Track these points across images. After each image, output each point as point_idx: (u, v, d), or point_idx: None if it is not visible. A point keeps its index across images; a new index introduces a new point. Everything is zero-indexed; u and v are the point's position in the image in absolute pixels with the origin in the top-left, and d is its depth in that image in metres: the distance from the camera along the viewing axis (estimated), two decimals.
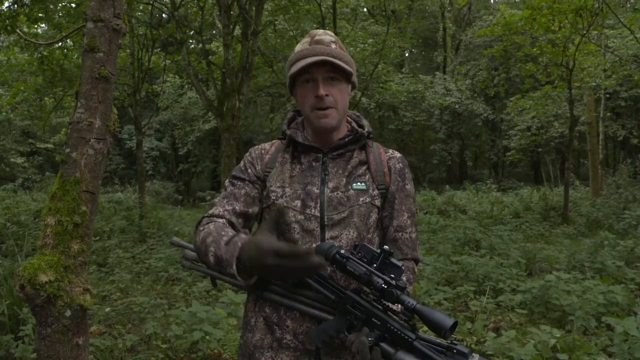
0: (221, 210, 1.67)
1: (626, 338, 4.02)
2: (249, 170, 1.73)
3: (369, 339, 1.38)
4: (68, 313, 1.93)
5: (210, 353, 4.12)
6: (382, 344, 1.38)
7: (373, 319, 1.42)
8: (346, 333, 1.46)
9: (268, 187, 1.69)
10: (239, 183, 1.72)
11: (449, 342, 1.34)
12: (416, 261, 1.76)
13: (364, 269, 1.41)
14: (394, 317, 1.41)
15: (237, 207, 1.68)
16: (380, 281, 1.38)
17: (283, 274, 1.34)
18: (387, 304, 1.42)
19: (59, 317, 1.92)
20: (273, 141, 1.82)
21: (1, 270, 5.13)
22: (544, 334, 4.15)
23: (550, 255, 7.50)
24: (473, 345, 4.36)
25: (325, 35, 1.67)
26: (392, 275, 1.39)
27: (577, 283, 5.52)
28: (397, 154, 1.79)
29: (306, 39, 1.68)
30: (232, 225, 1.64)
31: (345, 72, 1.64)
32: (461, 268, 6.51)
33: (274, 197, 1.66)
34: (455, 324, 1.30)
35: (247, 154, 1.78)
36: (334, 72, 1.62)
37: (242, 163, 1.77)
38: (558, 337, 4.15)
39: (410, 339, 1.36)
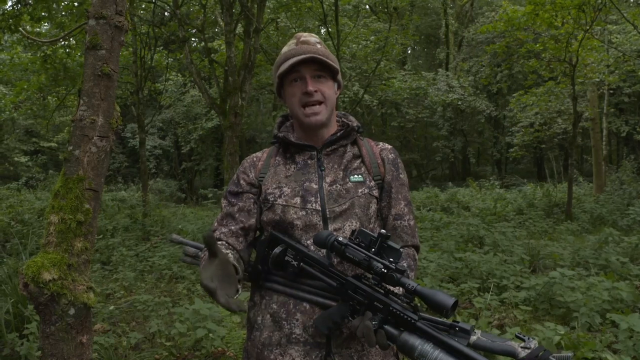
0: (218, 233, 1.72)
1: (631, 335, 4.01)
2: (241, 182, 1.77)
3: (373, 322, 1.39)
4: (72, 311, 1.93)
5: (214, 351, 4.12)
6: (386, 327, 1.39)
7: (375, 302, 1.44)
8: (350, 318, 1.47)
9: (264, 190, 1.72)
10: (233, 200, 1.76)
11: (452, 320, 1.35)
12: (416, 248, 1.80)
13: (363, 255, 1.42)
14: (396, 299, 1.43)
15: (232, 228, 1.72)
16: (380, 265, 1.39)
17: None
18: (388, 286, 1.44)
19: (62, 315, 1.91)
20: (264, 149, 1.87)
21: (6, 269, 5.15)
22: (548, 331, 4.14)
23: (554, 252, 7.48)
24: None
25: (311, 36, 1.74)
26: (391, 259, 1.40)
27: (582, 280, 5.51)
28: (388, 146, 1.85)
29: (292, 41, 1.74)
30: (231, 245, 1.69)
31: (332, 70, 1.70)
32: (465, 265, 6.50)
33: (272, 199, 1.69)
34: (456, 303, 1.31)
35: (240, 165, 1.83)
36: (321, 69, 1.69)
37: (235, 176, 1.81)
38: (562, 333, 4.14)
39: (413, 320, 1.37)
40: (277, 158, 1.78)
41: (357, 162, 1.76)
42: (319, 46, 1.70)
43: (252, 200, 1.74)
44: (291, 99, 1.71)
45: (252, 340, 1.70)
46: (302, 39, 1.72)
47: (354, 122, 1.81)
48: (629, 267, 6.33)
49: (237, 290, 1.44)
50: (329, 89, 1.71)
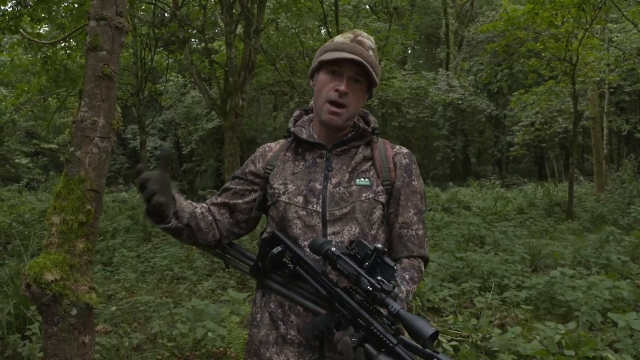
0: (208, 200, 1.81)
1: (632, 333, 4.01)
2: (247, 169, 1.79)
3: (353, 339, 1.37)
4: (74, 312, 1.93)
5: (215, 351, 4.13)
6: (366, 345, 1.37)
7: (359, 319, 1.42)
8: (334, 330, 1.46)
9: (271, 184, 1.71)
10: (234, 181, 1.80)
11: (432, 350, 1.32)
12: (424, 259, 1.74)
13: (353, 269, 1.41)
14: (381, 319, 1.40)
15: (218, 199, 1.78)
16: (367, 283, 1.37)
17: (146, 198, 1.46)
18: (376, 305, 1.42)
19: (65, 315, 1.92)
20: (279, 140, 1.85)
21: (7, 270, 5.15)
22: (549, 330, 4.14)
23: (555, 251, 7.47)
24: (479, 342, 4.35)
25: (368, 40, 1.70)
26: (379, 278, 1.37)
27: (583, 279, 5.51)
28: (404, 150, 1.79)
29: (349, 35, 1.70)
30: (210, 211, 1.75)
31: (371, 81, 1.67)
32: (466, 264, 6.49)
33: (277, 195, 1.68)
34: (436, 334, 1.28)
35: (255, 151, 1.84)
36: (361, 75, 1.65)
37: (246, 161, 1.83)
38: (563, 333, 4.14)
39: (391, 344, 1.35)
40: (287, 153, 1.76)
41: (366, 165, 1.71)
42: (370, 52, 1.66)
43: (251, 187, 1.76)
44: (321, 88, 1.68)
45: (250, 337, 1.71)
46: (358, 37, 1.68)
47: (372, 122, 1.78)
48: (630, 266, 6.33)
49: (167, 213, 1.54)
50: (358, 98, 1.67)
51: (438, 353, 1.31)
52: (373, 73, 1.64)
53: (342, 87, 1.63)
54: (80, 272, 1.97)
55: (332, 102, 1.64)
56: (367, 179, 1.67)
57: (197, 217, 1.68)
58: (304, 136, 1.73)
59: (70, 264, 1.94)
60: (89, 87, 2.05)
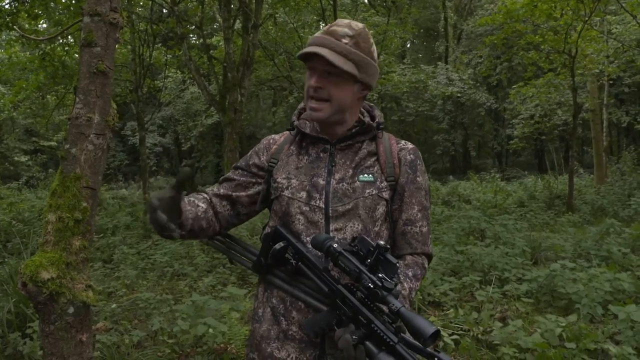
0: (210, 190, 1.78)
1: (632, 325, 4.00)
2: (251, 161, 1.76)
3: (354, 337, 1.36)
4: (71, 310, 1.92)
5: (216, 347, 4.12)
6: (367, 343, 1.36)
7: (360, 317, 1.41)
8: (335, 327, 1.45)
9: (275, 178, 1.70)
10: (237, 171, 1.78)
11: (433, 349, 1.31)
12: (428, 256, 1.74)
13: (354, 267, 1.40)
14: (382, 317, 1.39)
15: (221, 191, 1.75)
16: (368, 280, 1.36)
17: (147, 209, 1.47)
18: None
19: (61, 314, 1.91)
20: (283, 132, 1.83)
21: (7, 268, 5.14)
22: (550, 323, 4.13)
23: (556, 244, 7.47)
24: (480, 335, 4.35)
25: (345, 27, 1.61)
26: (381, 275, 1.36)
27: (583, 271, 5.50)
28: (410, 145, 1.76)
29: (327, 27, 1.64)
30: (211, 204, 1.74)
31: (344, 71, 1.57)
32: (466, 258, 6.49)
33: (280, 189, 1.67)
34: (436, 333, 1.26)
35: (259, 143, 1.83)
36: (332, 67, 1.57)
37: (250, 152, 1.81)
38: (564, 325, 4.14)
39: (392, 343, 1.34)
40: (291, 147, 1.74)
41: (371, 160, 1.68)
42: (344, 41, 1.57)
43: (253, 180, 1.74)
44: (305, 86, 1.65)
45: (252, 332, 1.71)
46: (331, 27, 1.60)
47: (377, 117, 1.74)
48: (630, 257, 6.32)
49: (173, 229, 1.52)
50: (340, 89, 1.60)
51: (439, 352, 1.30)
52: (336, 61, 1.54)
53: (312, 82, 1.60)
54: (76, 270, 1.96)
55: (311, 98, 1.62)
56: (370, 175, 1.65)
57: (199, 218, 1.67)
58: (308, 130, 1.71)
59: (66, 262, 1.93)
60: (84, 84, 2.04)
